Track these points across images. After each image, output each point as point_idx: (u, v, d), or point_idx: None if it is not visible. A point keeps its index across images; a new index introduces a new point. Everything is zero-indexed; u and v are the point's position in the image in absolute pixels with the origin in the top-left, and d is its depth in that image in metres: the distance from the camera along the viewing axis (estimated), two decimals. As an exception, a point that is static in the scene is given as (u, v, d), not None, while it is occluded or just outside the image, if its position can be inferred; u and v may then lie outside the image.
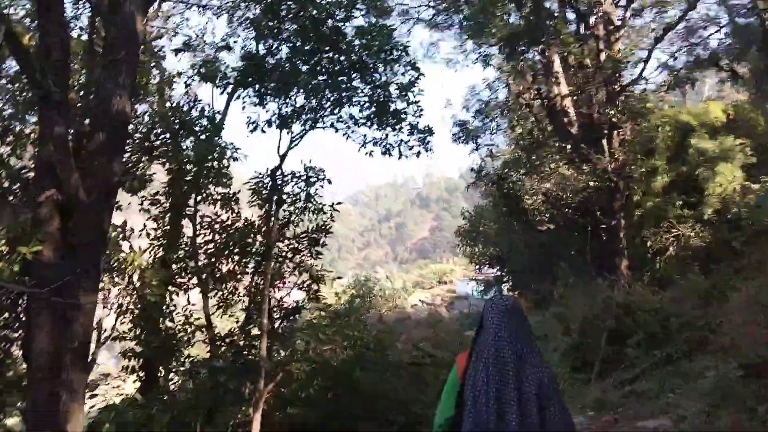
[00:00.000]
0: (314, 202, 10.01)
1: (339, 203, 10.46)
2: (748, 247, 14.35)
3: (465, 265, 50.24)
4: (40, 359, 5.77)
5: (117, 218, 8.36)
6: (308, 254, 10.63)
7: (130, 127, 8.39)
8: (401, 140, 9.84)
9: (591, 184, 16.43)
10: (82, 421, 5.97)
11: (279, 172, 9.45)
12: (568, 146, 16.81)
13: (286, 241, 10.42)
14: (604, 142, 16.96)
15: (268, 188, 9.48)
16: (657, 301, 15.02)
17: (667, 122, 18.39)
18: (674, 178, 18.37)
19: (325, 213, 10.60)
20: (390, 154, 9.82)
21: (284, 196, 9.59)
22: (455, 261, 67.64)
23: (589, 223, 17.22)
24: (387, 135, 9.77)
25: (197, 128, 10.15)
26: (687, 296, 15.05)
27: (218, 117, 10.90)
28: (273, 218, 9.29)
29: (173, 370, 10.02)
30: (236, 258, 10.27)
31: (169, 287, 9.82)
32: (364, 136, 9.84)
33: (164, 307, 9.98)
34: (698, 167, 16.97)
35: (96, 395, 9.08)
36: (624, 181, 16.98)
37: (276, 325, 10.24)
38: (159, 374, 10.04)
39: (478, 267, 31.35)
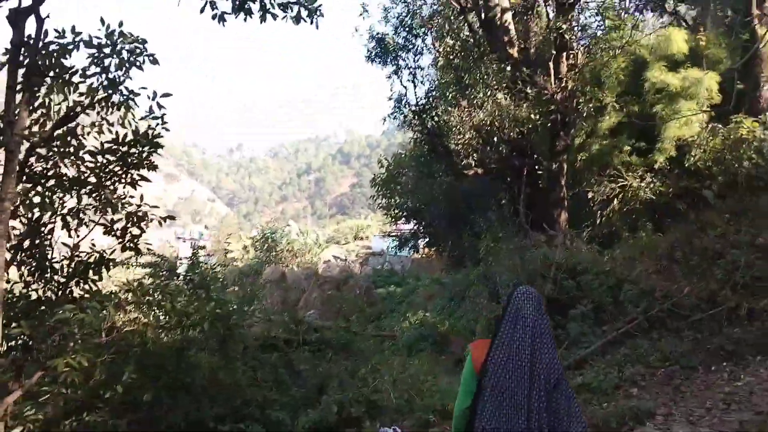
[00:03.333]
0: (122, 92, 5.93)
1: (166, 95, 6.35)
2: (717, 200, 11.72)
3: (382, 220, 47.36)
4: None
5: None
6: (121, 179, 6.62)
7: None
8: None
9: (532, 116, 13.23)
10: None
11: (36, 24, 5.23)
12: (508, 68, 13.46)
13: (81, 154, 6.32)
14: (551, 64, 13.73)
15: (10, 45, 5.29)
16: (604, 262, 12.24)
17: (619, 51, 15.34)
18: (623, 119, 15.52)
19: (148, 116, 6.55)
20: (249, 14, 5.97)
21: (51, 71, 5.42)
22: (373, 217, 64.71)
23: (525, 165, 14.11)
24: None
25: None
26: (639, 257, 12.40)
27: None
28: (22, 102, 5.17)
29: None
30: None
31: None
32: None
33: None
34: (655, 105, 14.13)
35: None
36: (571, 115, 13.91)
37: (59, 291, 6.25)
38: None
39: (393, 221, 28.00)
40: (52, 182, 5.99)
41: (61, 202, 6.34)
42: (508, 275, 12.05)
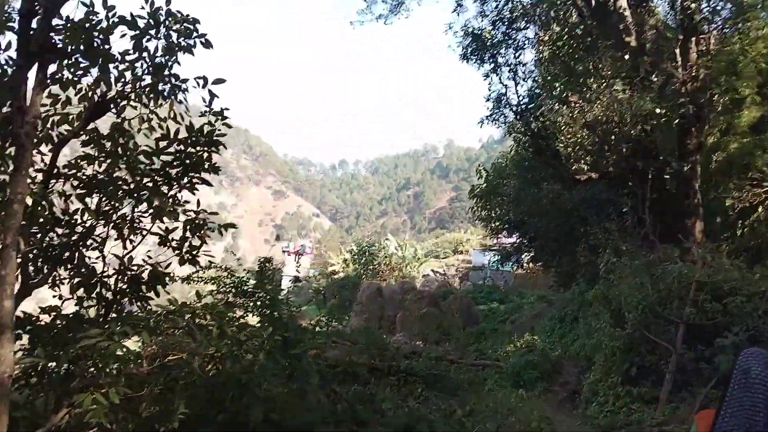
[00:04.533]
0: (168, 80, 5.04)
1: (219, 81, 5.39)
2: None
3: (482, 234, 45.33)
4: None
5: None
6: (180, 182, 5.79)
7: None
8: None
9: (658, 110, 11.28)
10: None
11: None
12: (626, 56, 11.61)
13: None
14: (678, 51, 11.71)
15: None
16: (756, 281, 10.06)
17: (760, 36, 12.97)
18: (766, 113, 13.10)
19: (208, 112, 5.65)
20: None
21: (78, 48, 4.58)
22: (473, 231, 62.62)
23: (651, 167, 12.11)
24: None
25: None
26: (804, 276, 10.09)
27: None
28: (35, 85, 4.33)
29: None
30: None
31: None
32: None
33: None
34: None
35: None
36: (704, 109, 11.78)
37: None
38: None
39: (494, 234, 26.18)
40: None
41: (114, 208, 5.59)
42: (635, 296, 10.17)
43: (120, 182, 5.44)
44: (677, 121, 11.70)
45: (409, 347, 10.66)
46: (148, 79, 5.03)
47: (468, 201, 32.88)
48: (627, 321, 10.22)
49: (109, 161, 5.33)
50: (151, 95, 5.10)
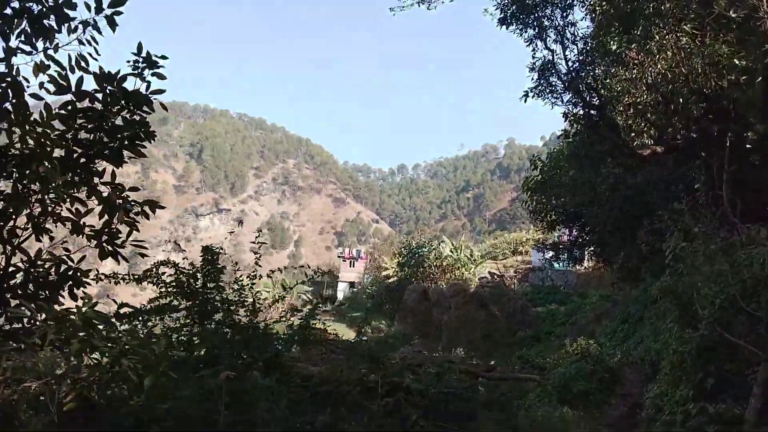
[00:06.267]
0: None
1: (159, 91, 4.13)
2: None
3: (539, 229, 42.64)
4: None
5: None
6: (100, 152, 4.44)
7: None
8: None
9: (737, 60, 9.09)
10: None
11: None
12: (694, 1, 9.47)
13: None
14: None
15: None
16: None
17: None
18: None
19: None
20: None
21: None
22: (534, 230, 59.70)
23: (729, 132, 9.86)
24: None
25: None
26: None
27: None
28: None
29: None
30: None
31: None
32: None
33: None
34: None
35: None
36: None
37: None
38: None
39: (549, 229, 23.80)
40: None
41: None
42: (711, 287, 8.04)
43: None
44: (761, 71, 9.44)
45: (417, 359, 8.71)
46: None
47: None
48: (701, 319, 8.09)
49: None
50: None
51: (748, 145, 10.81)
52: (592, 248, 21.59)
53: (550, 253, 23.65)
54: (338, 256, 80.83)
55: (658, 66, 9.57)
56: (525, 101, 13.84)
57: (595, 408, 10.23)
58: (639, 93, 10.30)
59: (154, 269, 6.17)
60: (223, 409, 4.23)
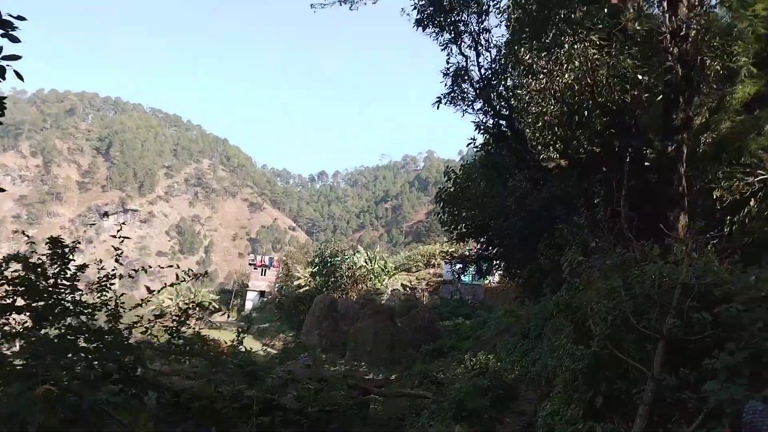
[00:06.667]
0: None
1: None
2: None
3: (448, 243, 42.96)
4: None
5: None
6: None
7: None
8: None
9: (639, 75, 9.06)
10: None
11: None
12: (603, 11, 9.41)
13: None
14: (665, 4, 9.52)
15: None
16: (755, 285, 7.78)
17: None
18: (761, 89, 11.02)
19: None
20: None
21: None
22: (444, 243, 60.44)
23: (629, 148, 9.86)
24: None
25: None
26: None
27: None
28: None
29: None
30: None
31: None
32: None
33: None
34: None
35: None
36: (694, 77, 9.59)
37: None
38: None
39: (458, 241, 23.73)
40: None
41: None
42: (605, 303, 7.83)
43: None
44: (661, 90, 9.51)
45: (309, 372, 7.89)
46: None
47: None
48: (593, 336, 7.85)
49: None
50: None
51: (646, 163, 10.93)
52: (498, 262, 21.64)
53: (458, 265, 23.57)
54: (249, 264, 78.38)
55: (566, 76, 9.44)
56: (438, 107, 13.52)
57: (488, 426, 9.84)
58: (546, 104, 10.13)
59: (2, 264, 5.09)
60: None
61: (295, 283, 49.93)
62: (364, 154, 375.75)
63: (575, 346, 8.23)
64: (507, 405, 10.97)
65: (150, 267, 7.17)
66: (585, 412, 7.76)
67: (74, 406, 4.00)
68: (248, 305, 64.56)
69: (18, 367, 4.24)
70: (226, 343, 12.56)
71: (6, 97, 3.49)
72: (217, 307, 9.26)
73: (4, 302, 5.28)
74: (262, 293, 66.71)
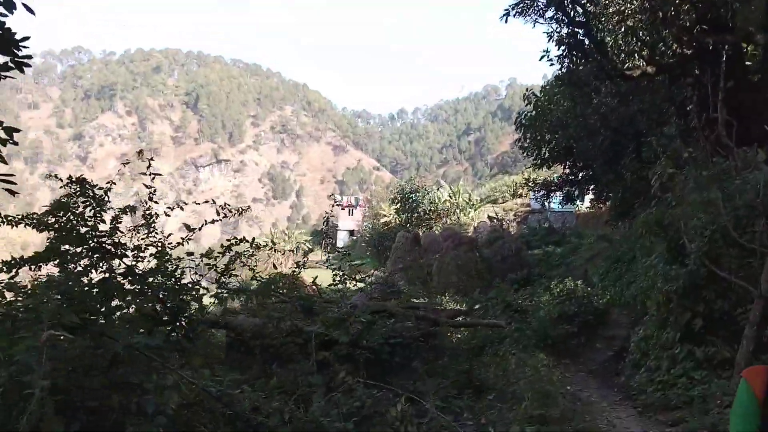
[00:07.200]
0: None
1: None
2: None
3: (539, 171, 41.48)
4: None
5: None
6: None
7: None
8: None
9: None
10: None
11: None
12: None
13: None
14: None
15: None
16: None
17: None
18: None
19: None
20: None
21: None
22: (530, 170, 58.53)
23: (725, 45, 8.71)
24: None
25: None
26: None
27: None
28: None
29: None
30: None
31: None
32: None
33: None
34: None
35: None
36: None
37: None
38: None
39: (540, 166, 22.68)
40: None
41: None
42: (701, 218, 7.14)
43: None
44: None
45: (373, 304, 7.80)
46: None
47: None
48: (688, 254, 7.22)
49: None
50: None
51: (747, 62, 9.69)
52: (586, 186, 20.56)
53: (541, 192, 22.67)
54: (336, 205, 79.94)
55: (647, -32, 8.35)
56: (506, 21, 12.52)
57: (576, 354, 9.52)
58: (625, 2, 9.09)
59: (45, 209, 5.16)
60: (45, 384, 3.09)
61: (382, 220, 50.52)
62: (444, 88, 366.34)
63: (668, 266, 7.64)
64: (596, 331, 10.54)
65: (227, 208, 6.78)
66: (682, 335, 7.26)
67: (112, 352, 3.81)
68: (339, 244, 66.44)
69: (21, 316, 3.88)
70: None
71: (29, 38, 3.33)
72: (311, 247, 9.25)
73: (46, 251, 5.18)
74: (351, 232, 68.31)
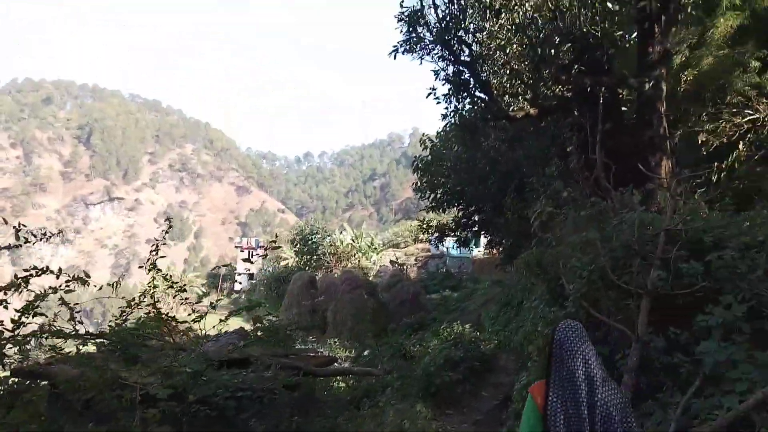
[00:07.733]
0: None
1: None
2: None
3: (442, 216, 42.25)
4: None
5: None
6: None
7: None
8: None
9: (609, 4, 8.02)
10: None
11: None
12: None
13: None
14: None
15: None
16: (747, 230, 6.90)
17: None
18: (746, 21, 10.04)
19: None
20: None
21: None
22: (433, 215, 59.72)
23: (602, 87, 8.84)
24: None
25: None
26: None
27: None
28: None
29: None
30: None
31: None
32: None
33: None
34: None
35: None
36: (671, 5, 8.56)
37: None
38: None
39: (434, 209, 22.75)
40: None
41: None
42: (580, 259, 6.91)
43: None
44: (635, 20, 8.47)
45: (232, 351, 6.83)
46: None
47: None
48: (567, 296, 6.94)
49: None
50: None
51: (623, 108, 9.97)
52: (479, 229, 20.71)
53: (435, 235, 22.66)
54: (235, 247, 77.34)
55: (526, 5, 8.36)
56: (395, 57, 12.37)
57: (461, 402, 8.98)
58: (507, 41, 9.06)
59: None
60: None
61: (282, 263, 49.17)
62: (349, 135, 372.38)
63: (548, 308, 7.35)
64: (483, 378, 10.12)
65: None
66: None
67: None
68: (237, 287, 64.01)
69: None
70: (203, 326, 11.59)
71: None
72: (205, 291, 8.33)
73: None
74: (251, 275, 66.02)
